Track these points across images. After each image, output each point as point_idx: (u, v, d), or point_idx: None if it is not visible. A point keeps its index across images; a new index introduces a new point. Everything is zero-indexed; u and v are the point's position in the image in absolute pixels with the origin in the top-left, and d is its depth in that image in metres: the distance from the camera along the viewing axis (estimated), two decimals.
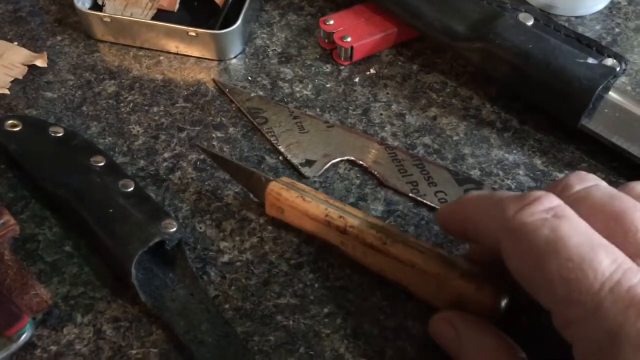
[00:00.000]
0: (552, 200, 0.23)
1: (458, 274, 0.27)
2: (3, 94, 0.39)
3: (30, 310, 0.28)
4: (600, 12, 0.44)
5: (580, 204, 0.23)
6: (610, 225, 0.22)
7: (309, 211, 0.31)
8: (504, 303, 0.27)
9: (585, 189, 0.24)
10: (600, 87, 0.34)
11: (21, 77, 0.40)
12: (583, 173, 0.25)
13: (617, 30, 0.43)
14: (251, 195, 0.34)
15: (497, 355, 0.25)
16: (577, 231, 0.22)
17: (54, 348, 0.29)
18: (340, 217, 0.30)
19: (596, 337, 0.20)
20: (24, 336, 0.26)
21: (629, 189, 0.24)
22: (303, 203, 0.31)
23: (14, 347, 0.26)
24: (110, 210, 0.32)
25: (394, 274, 0.29)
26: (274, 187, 0.31)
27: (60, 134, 0.36)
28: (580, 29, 0.43)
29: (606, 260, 0.21)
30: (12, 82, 0.39)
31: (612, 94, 0.37)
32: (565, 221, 0.22)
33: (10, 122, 0.36)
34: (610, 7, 0.44)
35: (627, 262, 0.21)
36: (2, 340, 0.26)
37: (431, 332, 0.28)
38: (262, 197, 0.32)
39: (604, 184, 0.24)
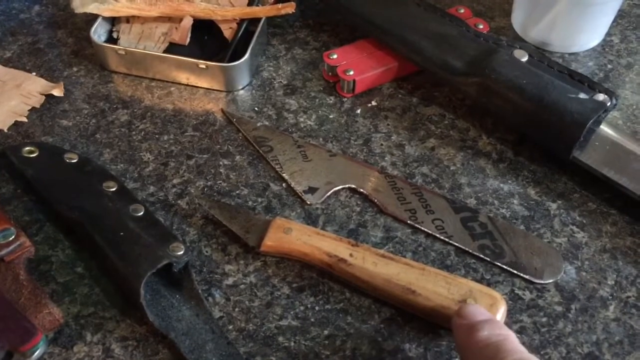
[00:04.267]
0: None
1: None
2: (21, 122, 0.40)
3: (43, 328, 0.29)
4: (593, 49, 0.46)
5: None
6: None
7: (319, 232, 0.33)
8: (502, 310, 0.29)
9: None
10: (591, 121, 0.36)
11: (38, 106, 0.42)
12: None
13: (609, 66, 0.45)
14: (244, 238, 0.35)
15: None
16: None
17: None
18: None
19: None
20: (37, 352, 0.27)
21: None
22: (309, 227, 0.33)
23: None
24: (121, 233, 0.33)
25: (404, 279, 0.31)
26: (280, 219, 0.34)
27: (75, 160, 0.38)
28: (573, 65, 0.44)
29: None
30: (29, 110, 0.41)
31: (604, 128, 0.38)
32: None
33: (27, 148, 0.38)
34: (602, 45, 0.46)
35: None
36: (17, 356, 0.27)
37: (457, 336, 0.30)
38: (258, 235, 0.34)
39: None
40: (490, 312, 0.29)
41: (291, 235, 0.33)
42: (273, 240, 0.33)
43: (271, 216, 0.35)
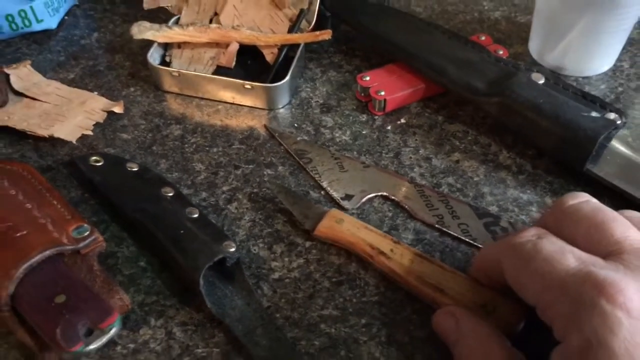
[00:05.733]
0: (537, 229, 0.30)
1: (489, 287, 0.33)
2: (87, 135, 0.45)
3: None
4: (605, 73, 0.50)
5: (571, 215, 0.29)
6: (591, 232, 0.28)
7: (367, 226, 0.37)
8: (521, 324, 0.32)
9: (576, 204, 0.30)
10: (602, 136, 0.40)
11: (101, 121, 0.46)
12: (576, 192, 0.31)
13: (620, 89, 0.48)
14: (298, 223, 0.39)
15: (489, 342, 0.30)
16: (551, 243, 0.28)
17: (132, 346, 0.34)
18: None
19: (565, 311, 0.26)
20: (114, 330, 0.31)
21: (621, 212, 0.30)
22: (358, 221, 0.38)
23: (106, 338, 0.31)
24: (181, 232, 0.37)
25: (434, 278, 0.34)
26: (335, 211, 0.39)
27: (136, 169, 0.42)
28: (586, 88, 0.48)
29: (572, 260, 0.27)
30: (94, 125, 0.46)
31: (614, 144, 0.42)
32: (544, 239, 0.29)
33: (93, 158, 0.43)
34: (614, 69, 0.50)
35: (592, 260, 0.27)
36: (96, 332, 0.31)
37: (434, 323, 0.33)
38: (315, 222, 0.38)
39: (593, 200, 0.30)
40: (510, 322, 0.32)
41: (342, 225, 0.37)
42: (326, 227, 0.38)
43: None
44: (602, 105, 0.43)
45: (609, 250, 0.28)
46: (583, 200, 0.30)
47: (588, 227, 0.29)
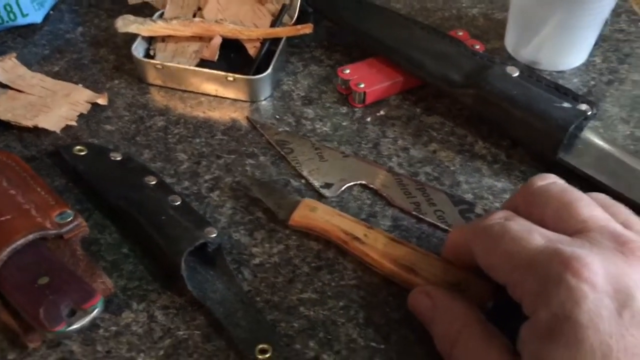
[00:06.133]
0: (505, 212, 0.31)
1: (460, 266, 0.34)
2: (71, 126, 0.46)
3: None
4: (578, 67, 0.51)
5: (540, 196, 0.30)
6: (559, 212, 0.29)
7: (340, 213, 0.38)
8: (491, 302, 0.33)
9: (544, 185, 0.31)
10: (573, 126, 0.41)
11: (85, 112, 0.47)
12: (544, 174, 0.32)
13: (592, 83, 0.50)
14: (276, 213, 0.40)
15: (465, 317, 0.31)
16: (519, 224, 0.29)
17: (114, 329, 0.35)
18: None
19: (533, 287, 0.27)
20: (96, 310, 0.32)
21: (587, 194, 0.31)
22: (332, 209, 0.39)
23: (88, 318, 0.32)
24: (163, 218, 0.38)
25: (408, 260, 0.35)
26: (309, 200, 0.39)
27: (119, 158, 0.43)
28: (560, 82, 0.49)
29: (539, 238, 0.28)
30: (78, 116, 0.46)
31: (586, 134, 0.43)
32: (511, 220, 0.30)
33: (77, 147, 0.43)
34: (586, 64, 0.52)
35: (559, 238, 0.28)
36: (79, 313, 0.32)
37: (410, 303, 0.34)
38: (289, 211, 0.39)
39: (560, 181, 0.31)
40: (480, 300, 0.33)
41: (316, 214, 0.38)
42: (301, 216, 0.38)
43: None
44: (574, 96, 0.44)
45: (576, 228, 0.29)
46: (551, 181, 0.32)
47: (556, 207, 0.30)
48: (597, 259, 0.27)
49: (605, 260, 0.27)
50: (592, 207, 0.30)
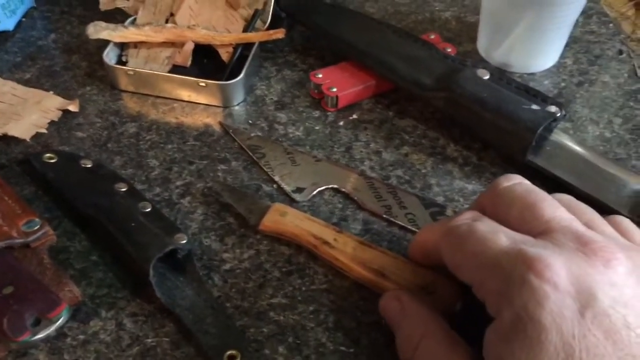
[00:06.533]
0: (472, 213, 0.31)
1: (430, 268, 0.34)
2: (41, 133, 0.45)
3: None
4: (549, 70, 0.52)
5: (505, 197, 0.30)
6: (523, 213, 0.29)
7: (310, 217, 0.38)
8: (459, 304, 0.33)
9: (509, 186, 0.31)
10: (542, 127, 0.41)
11: (56, 119, 0.47)
12: (510, 175, 0.32)
13: (562, 84, 0.50)
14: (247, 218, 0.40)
15: (429, 324, 0.31)
16: (485, 225, 0.29)
17: (82, 337, 0.35)
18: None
19: (497, 287, 0.27)
20: (61, 319, 0.32)
21: (552, 195, 0.31)
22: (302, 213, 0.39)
23: (53, 327, 0.31)
24: (132, 224, 0.38)
25: (377, 264, 0.35)
26: (279, 205, 0.39)
27: (90, 165, 0.43)
28: (531, 84, 0.50)
29: (504, 239, 0.28)
30: (48, 123, 0.46)
31: (555, 136, 0.44)
32: (478, 221, 0.30)
33: (47, 155, 0.43)
34: (557, 66, 0.52)
35: (523, 238, 0.28)
36: (44, 322, 0.31)
37: (381, 307, 0.34)
38: (259, 216, 0.39)
39: (525, 182, 0.32)
40: (449, 302, 0.33)
41: (286, 218, 0.38)
42: (271, 221, 0.38)
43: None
44: (543, 98, 0.44)
45: (540, 229, 0.29)
46: (516, 182, 0.32)
47: (520, 208, 0.30)
48: (560, 260, 0.27)
49: (568, 261, 0.27)
50: (555, 208, 0.30)
